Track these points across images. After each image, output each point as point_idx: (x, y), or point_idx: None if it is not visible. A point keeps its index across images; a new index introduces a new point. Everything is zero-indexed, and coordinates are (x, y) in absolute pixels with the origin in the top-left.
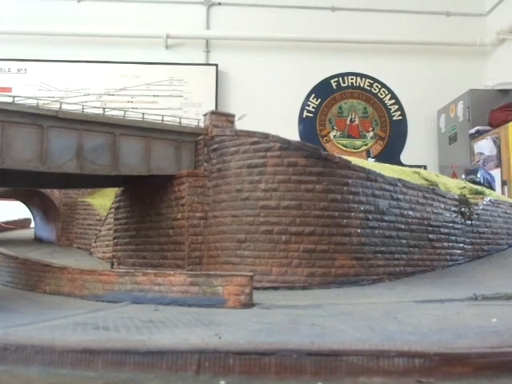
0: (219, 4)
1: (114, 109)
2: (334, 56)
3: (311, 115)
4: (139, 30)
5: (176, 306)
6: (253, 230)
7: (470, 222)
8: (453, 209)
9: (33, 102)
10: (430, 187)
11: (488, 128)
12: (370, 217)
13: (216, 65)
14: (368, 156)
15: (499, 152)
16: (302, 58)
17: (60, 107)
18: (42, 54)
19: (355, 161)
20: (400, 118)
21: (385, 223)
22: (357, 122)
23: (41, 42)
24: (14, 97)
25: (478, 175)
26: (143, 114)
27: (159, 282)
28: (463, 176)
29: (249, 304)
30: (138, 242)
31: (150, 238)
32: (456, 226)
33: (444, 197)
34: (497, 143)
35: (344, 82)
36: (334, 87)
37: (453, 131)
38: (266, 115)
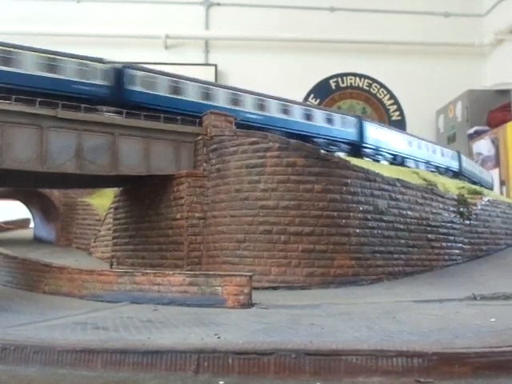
0: (218, 4)
1: (114, 108)
2: (333, 56)
3: None
4: (139, 30)
5: (175, 305)
6: (252, 230)
7: (468, 222)
8: (451, 209)
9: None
10: (429, 187)
11: (486, 128)
12: (368, 217)
13: (215, 65)
14: None
15: (497, 152)
16: (301, 59)
17: (59, 107)
18: None
19: (354, 160)
20: (399, 118)
21: (384, 223)
22: None
23: (41, 42)
24: (13, 97)
25: None
26: (142, 114)
27: (158, 282)
28: None
29: (248, 304)
30: (137, 242)
31: (149, 237)
32: (455, 225)
33: (443, 197)
34: (495, 143)
35: (343, 83)
36: (333, 87)
37: (451, 131)
38: None
